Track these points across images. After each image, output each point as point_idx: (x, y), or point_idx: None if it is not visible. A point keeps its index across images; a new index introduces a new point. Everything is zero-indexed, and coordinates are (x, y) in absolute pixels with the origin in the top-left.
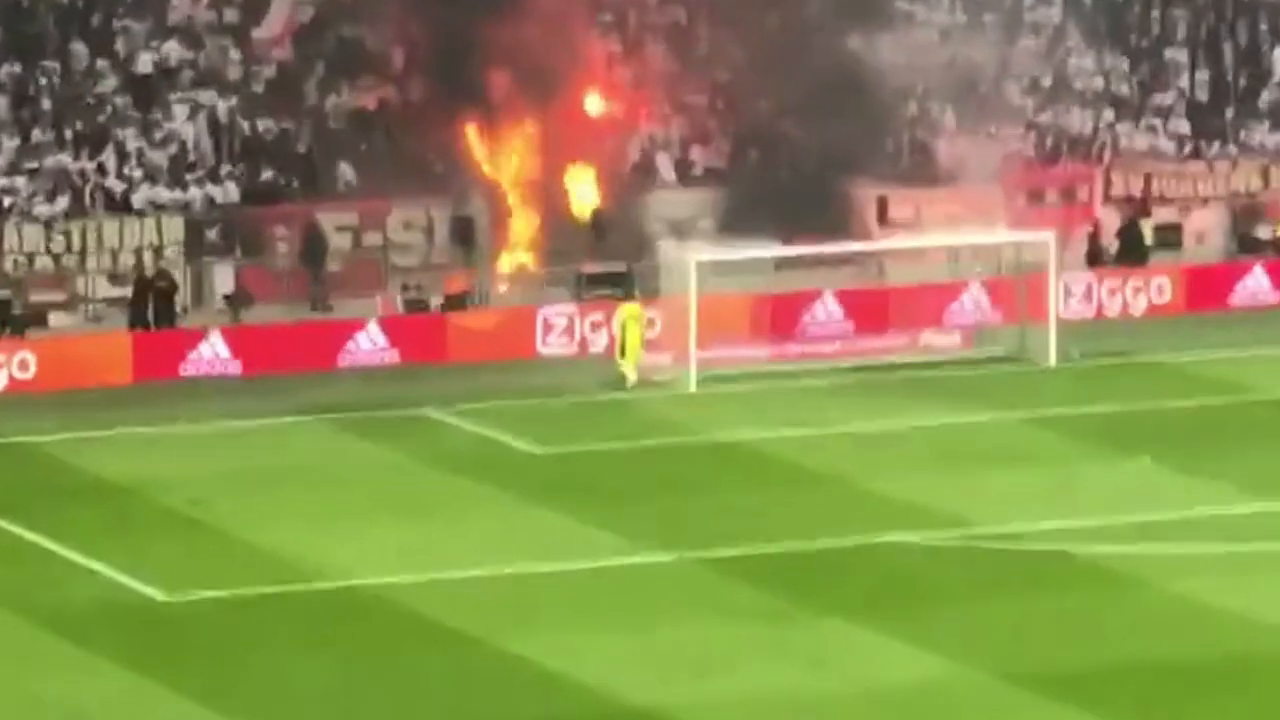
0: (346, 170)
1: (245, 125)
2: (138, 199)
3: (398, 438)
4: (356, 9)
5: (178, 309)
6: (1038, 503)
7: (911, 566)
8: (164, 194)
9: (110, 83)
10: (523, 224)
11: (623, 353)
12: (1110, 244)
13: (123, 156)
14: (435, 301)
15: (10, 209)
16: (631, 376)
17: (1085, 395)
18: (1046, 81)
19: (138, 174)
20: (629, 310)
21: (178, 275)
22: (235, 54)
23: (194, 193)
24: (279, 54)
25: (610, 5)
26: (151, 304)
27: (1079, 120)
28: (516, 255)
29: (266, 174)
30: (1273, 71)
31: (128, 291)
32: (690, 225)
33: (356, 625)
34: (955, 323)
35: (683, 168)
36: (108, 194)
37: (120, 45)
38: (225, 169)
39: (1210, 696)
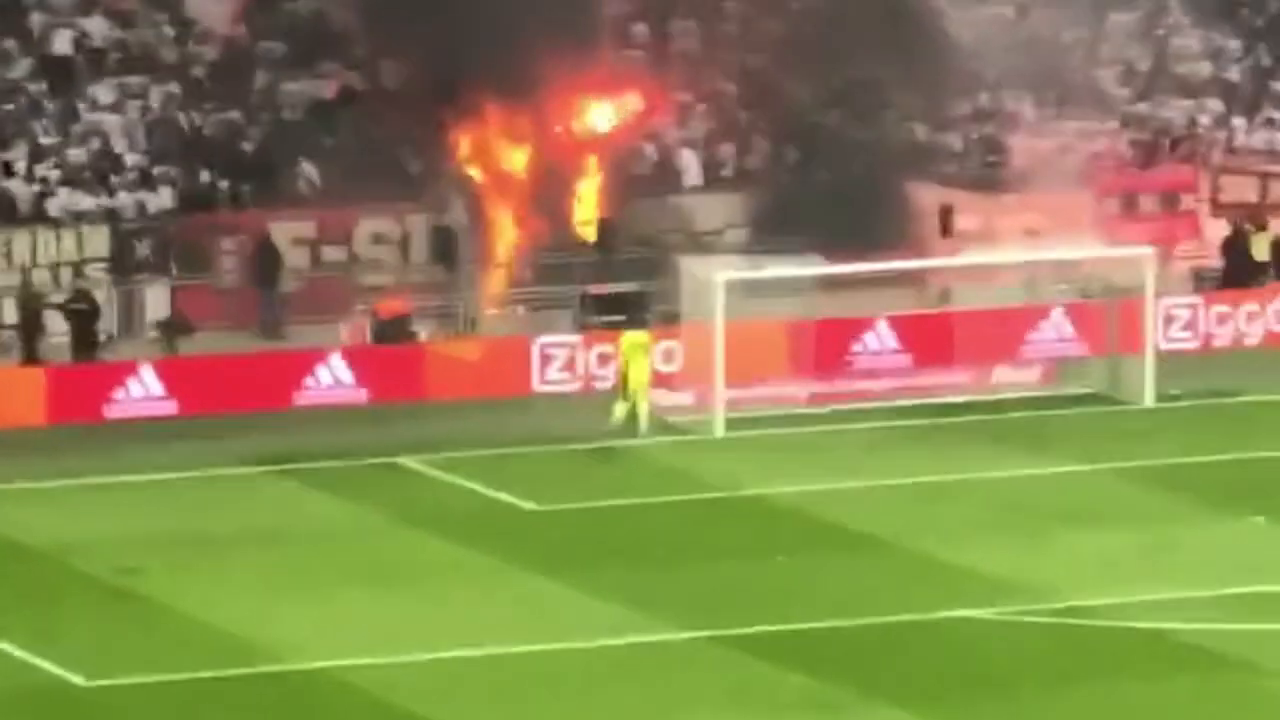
0: (304, 171)
1: (183, 118)
2: (54, 206)
3: (366, 492)
4: None
5: (100, 337)
6: (1130, 571)
7: (980, 646)
8: (85, 200)
9: (22, 67)
10: (515, 236)
11: (625, 391)
12: (1214, 260)
13: (36, 155)
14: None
15: None
16: (641, 421)
17: (1187, 442)
18: (1143, 66)
19: (54, 176)
20: (632, 339)
21: (100, 296)
22: (171, 32)
23: (122, 198)
24: (224, 32)
25: None
26: (70, 331)
27: (1181, 113)
28: (507, 273)
29: (208, 176)
30: None
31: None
32: (717, 237)
33: (315, 717)
34: (1033, 355)
35: (708, 168)
36: (17, 200)
37: (34, 22)
38: (159, 170)
39: None
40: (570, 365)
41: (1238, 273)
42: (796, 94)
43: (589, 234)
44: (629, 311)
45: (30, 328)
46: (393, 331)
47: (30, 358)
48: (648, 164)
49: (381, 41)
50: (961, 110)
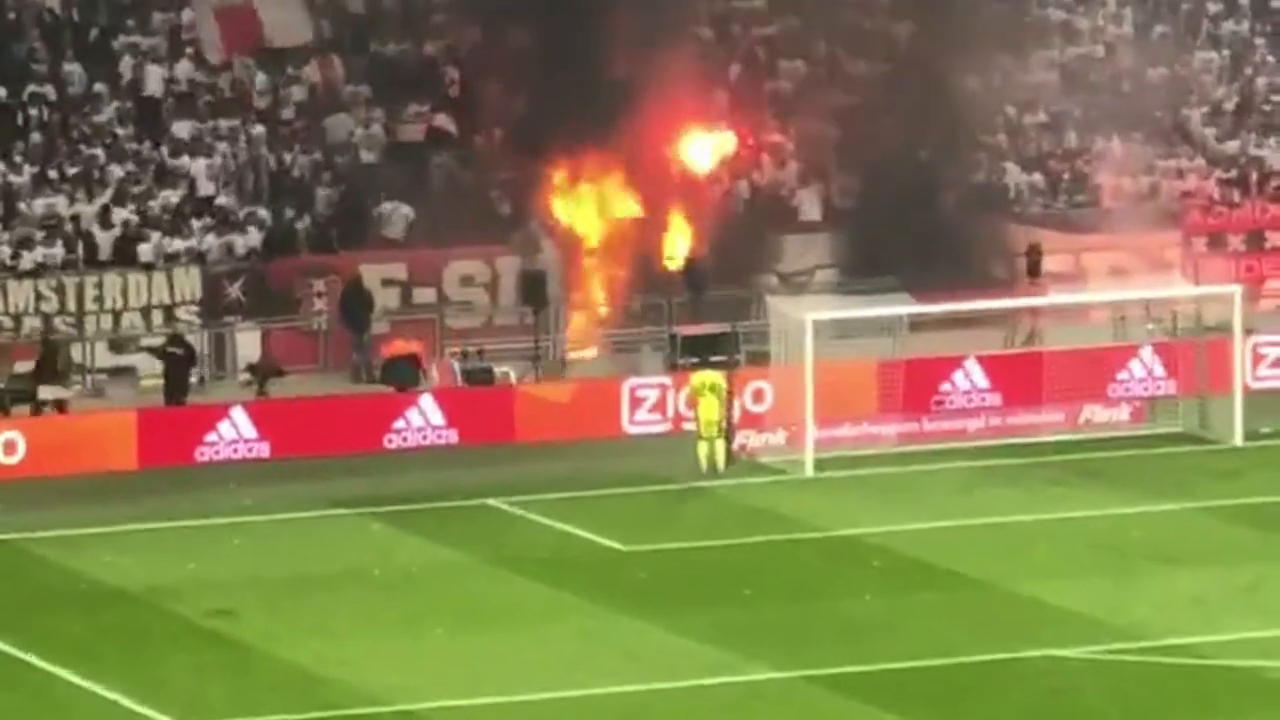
0: (398, 213)
1: (271, 159)
2: (142, 249)
3: (457, 533)
4: (406, 19)
5: (192, 380)
6: (1221, 609)
7: (1072, 685)
8: (174, 243)
9: (110, 110)
10: (605, 277)
11: (700, 431)
12: None
13: (124, 197)
14: (500, 370)
15: None
16: (718, 461)
17: (1277, 481)
18: (1230, 105)
19: (142, 218)
20: (701, 379)
21: (194, 340)
22: (261, 75)
23: (210, 240)
24: (311, 74)
25: (712, 18)
26: (164, 374)
27: (1269, 151)
28: (596, 315)
29: (298, 218)
30: None
31: (133, 360)
32: (807, 277)
33: None
34: (1123, 395)
35: (798, 208)
36: (104, 243)
37: (124, 66)
38: (246, 212)
39: None
40: (660, 406)
41: None
42: (886, 135)
43: (677, 267)
44: (719, 351)
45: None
46: (397, 371)
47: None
48: (737, 203)
49: (472, 83)
50: (1049, 149)
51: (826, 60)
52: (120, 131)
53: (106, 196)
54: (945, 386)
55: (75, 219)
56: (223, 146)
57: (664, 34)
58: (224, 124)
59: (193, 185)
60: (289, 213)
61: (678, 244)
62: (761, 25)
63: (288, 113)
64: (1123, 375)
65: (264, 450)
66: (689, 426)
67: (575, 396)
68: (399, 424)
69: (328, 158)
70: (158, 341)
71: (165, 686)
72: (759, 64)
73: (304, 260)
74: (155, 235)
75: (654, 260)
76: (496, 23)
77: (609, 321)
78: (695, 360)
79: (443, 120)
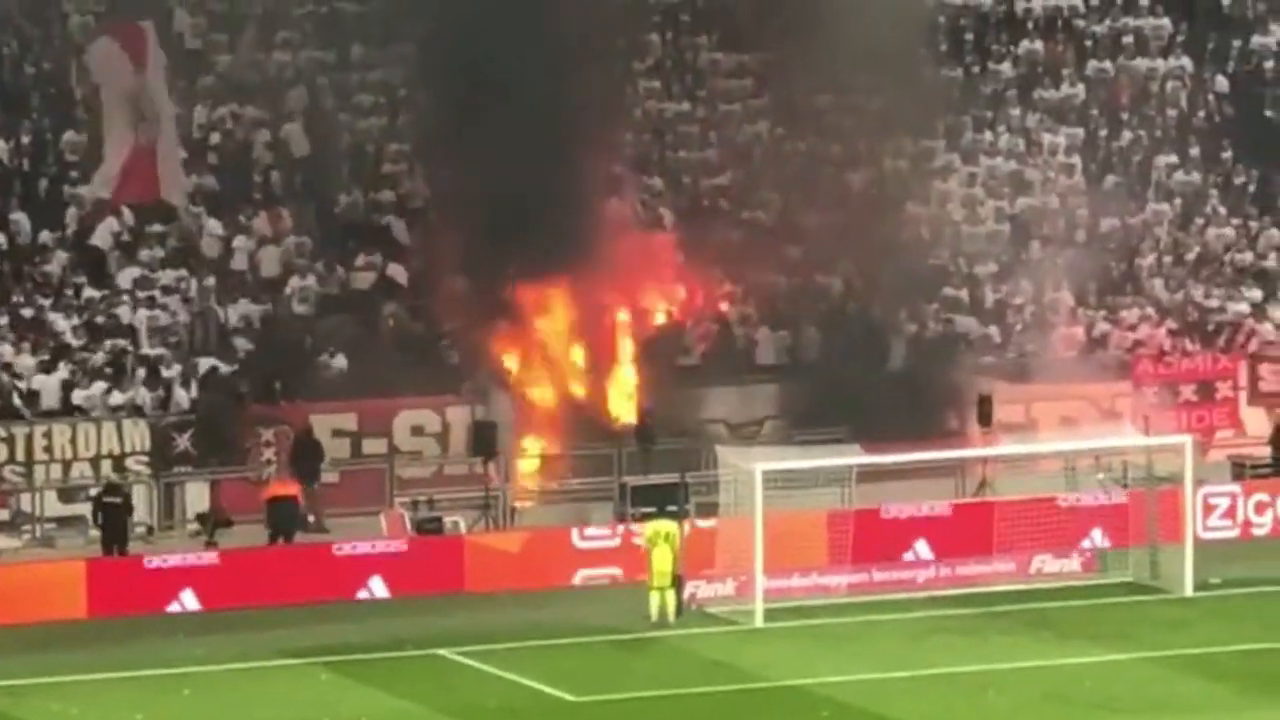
0: (342, 363)
1: (220, 310)
2: (87, 399)
3: (407, 684)
4: (355, 169)
5: (138, 530)
6: None
7: None
8: (120, 394)
9: (59, 259)
10: (556, 427)
11: (652, 581)
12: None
13: (71, 349)
14: (450, 520)
15: None
16: (669, 611)
17: (1227, 631)
18: (1182, 256)
19: (92, 368)
20: (655, 529)
21: (140, 491)
22: (214, 224)
23: (161, 392)
24: (260, 226)
25: (663, 169)
26: (102, 524)
27: (1221, 302)
28: (548, 465)
29: (246, 368)
30: None
31: (82, 509)
32: (754, 427)
33: None
34: (1073, 545)
35: (746, 358)
36: (49, 394)
37: (70, 215)
38: (198, 362)
39: None
40: (611, 557)
41: None
42: (833, 284)
43: (627, 415)
44: (669, 502)
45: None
46: (278, 514)
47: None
48: (687, 354)
49: (421, 234)
50: (1001, 299)
51: (779, 211)
52: (67, 280)
53: (49, 346)
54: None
55: (8, 367)
56: (170, 298)
57: (615, 184)
58: (171, 274)
59: (137, 335)
60: (235, 364)
61: (629, 395)
62: (712, 176)
63: (238, 263)
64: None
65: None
66: (640, 576)
67: (525, 546)
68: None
69: (276, 308)
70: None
71: None
72: (710, 214)
73: (253, 411)
74: (100, 385)
75: (604, 410)
76: (446, 173)
77: (559, 472)
78: (646, 510)
79: (393, 270)
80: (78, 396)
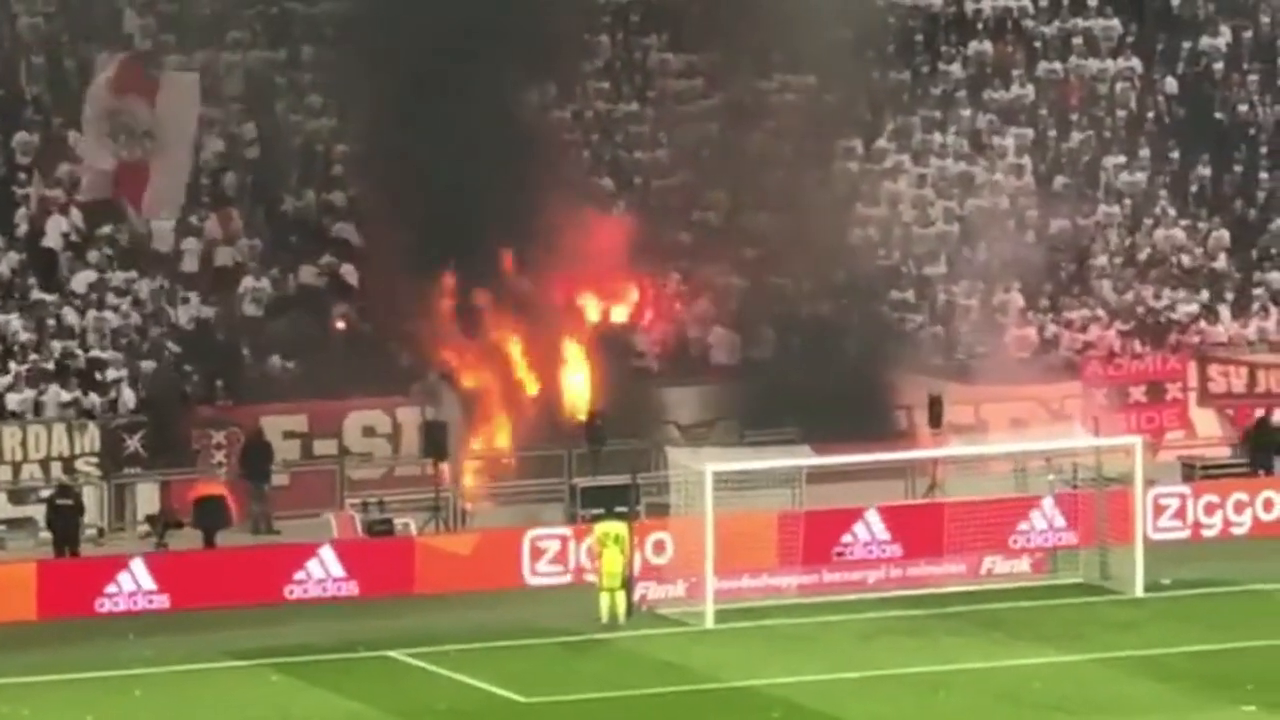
0: (291, 365)
1: (171, 311)
2: (43, 400)
3: (357, 685)
4: (305, 171)
5: (89, 532)
6: None
7: None
8: (69, 395)
9: (9, 260)
10: (506, 428)
11: (602, 583)
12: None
13: (20, 349)
14: (401, 522)
15: None
16: (619, 612)
17: (1177, 632)
18: (1131, 257)
19: (41, 370)
20: (605, 530)
21: (91, 493)
22: (164, 225)
23: (111, 394)
24: (211, 228)
25: (614, 168)
26: (52, 527)
27: (1170, 303)
28: (498, 467)
29: (196, 369)
30: None
31: (32, 511)
32: (705, 428)
33: None
34: (1023, 546)
35: (697, 359)
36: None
37: (20, 215)
38: (148, 363)
39: None
40: (561, 557)
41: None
42: (785, 285)
43: (580, 426)
44: (619, 503)
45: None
46: (206, 511)
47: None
48: (636, 355)
49: (369, 235)
50: (950, 300)
51: (729, 211)
52: (16, 282)
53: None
54: (846, 538)
55: None
56: (120, 299)
57: (566, 184)
58: (121, 276)
59: (85, 337)
60: (183, 365)
61: (579, 396)
62: (662, 176)
63: (187, 264)
64: (1024, 526)
65: (164, 602)
66: (590, 578)
67: (476, 548)
68: (299, 575)
69: (227, 310)
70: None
71: None
72: (661, 214)
73: (203, 412)
74: (49, 387)
75: (554, 411)
76: (395, 174)
77: (509, 472)
78: (596, 512)
79: (343, 271)
80: (27, 398)
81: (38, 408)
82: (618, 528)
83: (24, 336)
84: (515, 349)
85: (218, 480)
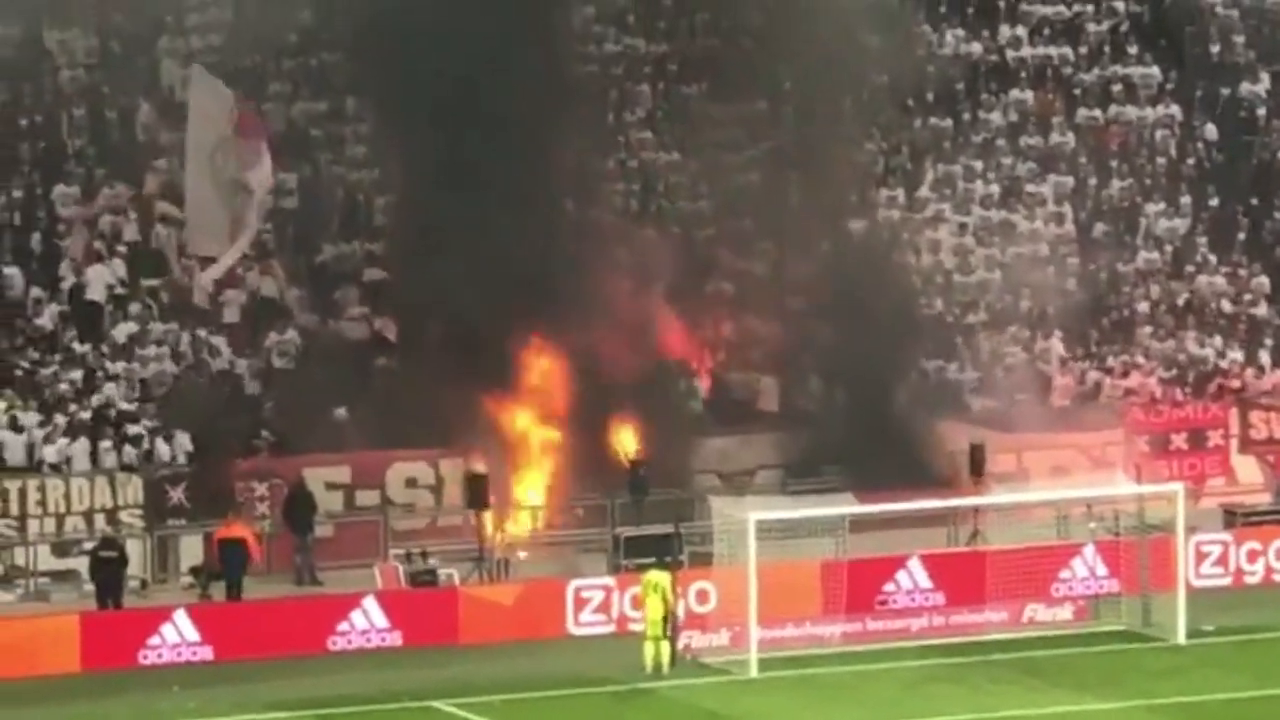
0: (337, 416)
1: (213, 362)
2: (84, 453)
3: None
4: (346, 222)
5: (132, 584)
6: None
7: None
8: (116, 446)
9: (51, 313)
10: (549, 478)
11: (646, 633)
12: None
13: (61, 401)
14: (445, 572)
15: None
16: (663, 662)
17: (1219, 679)
18: (1173, 304)
19: (82, 422)
20: (648, 580)
21: (134, 545)
22: (206, 277)
23: (152, 445)
24: (253, 279)
25: (657, 220)
26: (96, 579)
27: (1211, 350)
28: (540, 515)
29: (240, 420)
30: None
31: (75, 563)
32: (749, 477)
33: None
34: (1065, 593)
35: (742, 407)
36: (44, 449)
37: (63, 268)
38: (192, 415)
39: None
40: (605, 606)
41: None
42: (828, 334)
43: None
44: (662, 553)
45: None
46: (227, 553)
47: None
48: (679, 403)
49: (411, 287)
50: (991, 348)
51: (773, 260)
52: (59, 333)
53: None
54: (889, 586)
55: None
56: (162, 350)
57: (608, 234)
58: (162, 328)
59: (128, 389)
60: (228, 416)
61: (623, 445)
62: (705, 226)
63: (229, 316)
64: (1065, 574)
65: (207, 654)
66: (634, 627)
67: (519, 598)
68: (343, 626)
69: (267, 360)
70: (91, 545)
71: None
72: (705, 264)
73: (247, 464)
74: (93, 439)
75: (600, 460)
76: (436, 225)
77: (552, 523)
78: (640, 562)
79: (384, 323)
80: (71, 450)
81: (79, 460)
82: (661, 577)
83: (65, 388)
84: (558, 399)
85: (240, 523)
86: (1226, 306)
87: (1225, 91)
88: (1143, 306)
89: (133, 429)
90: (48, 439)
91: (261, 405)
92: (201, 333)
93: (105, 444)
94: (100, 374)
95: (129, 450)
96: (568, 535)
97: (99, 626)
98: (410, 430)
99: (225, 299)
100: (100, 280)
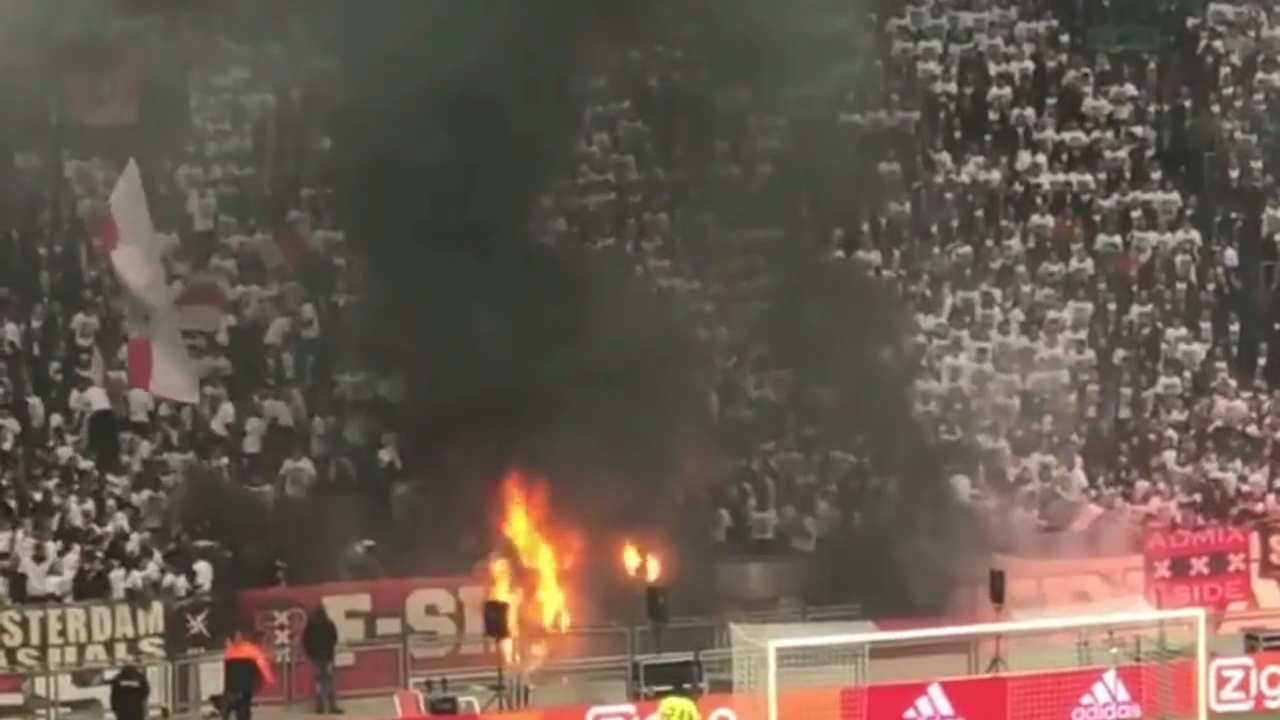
0: (358, 550)
1: (231, 490)
2: (102, 581)
3: None
4: (363, 349)
5: (154, 713)
6: None
7: None
8: (136, 574)
9: (70, 443)
10: (567, 606)
11: None
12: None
13: (83, 532)
14: (464, 700)
15: None
16: None
17: None
18: (1192, 429)
19: (103, 552)
20: (674, 707)
21: (155, 674)
22: (229, 406)
23: (171, 575)
24: (272, 407)
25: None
26: (117, 709)
27: (1231, 474)
28: (560, 643)
29: (259, 549)
30: None
31: (96, 693)
32: (769, 603)
33: None
34: (1087, 719)
35: (757, 533)
36: (65, 577)
37: (83, 398)
38: (209, 544)
39: None
40: None
41: None
42: (846, 458)
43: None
44: (682, 680)
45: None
46: (236, 673)
47: None
48: (700, 530)
49: (433, 418)
50: (1012, 475)
51: (792, 387)
52: (77, 463)
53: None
54: (909, 713)
55: (39, 549)
56: (179, 479)
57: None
58: (179, 458)
59: (147, 518)
60: (247, 546)
61: (641, 571)
62: (724, 354)
63: (249, 445)
64: (1087, 699)
65: None
66: None
67: None
68: None
69: (286, 489)
70: (112, 674)
71: None
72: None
73: (267, 593)
74: (115, 567)
75: (617, 587)
76: (449, 353)
77: (571, 650)
78: (659, 689)
79: (402, 450)
80: (90, 579)
81: (97, 589)
82: (683, 704)
83: (81, 519)
84: (575, 527)
85: (248, 643)
86: (1248, 430)
87: (1244, 216)
88: (1164, 431)
89: (150, 559)
90: (64, 568)
91: (278, 534)
92: (222, 461)
93: (120, 573)
94: (118, 502)
95: (147, 578)
96: (587, 663)
97: None
98: (429, 557)
99: (247, 428)
100: (118, 410)
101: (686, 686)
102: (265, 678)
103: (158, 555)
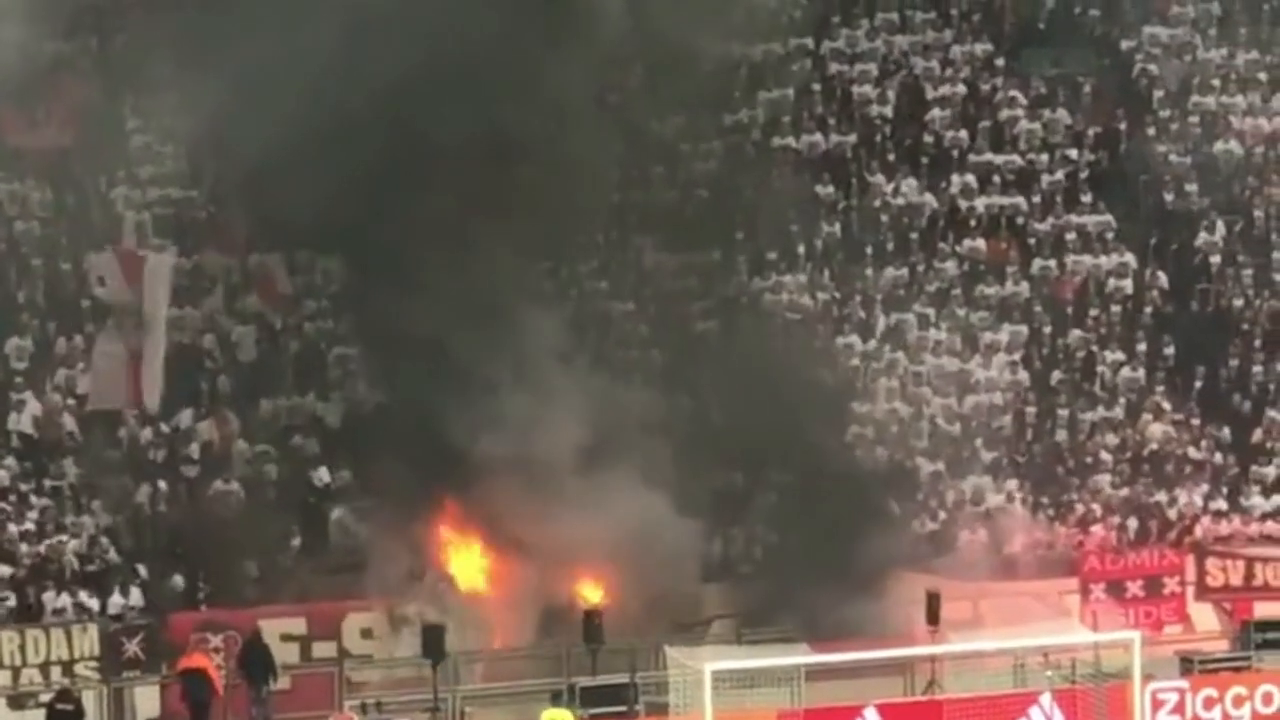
0: (288, 566)
1: (169, 514)
2: (35, 605)
3: None
4: (300, 371)
5: None
6: None
7: None
8: (67, 597)
9: (8, 466)
10: (502, 627)
11: None
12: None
13: (18, 554)
14: None
15: None
16: None
17: None
18: (1128, 451)
19: (35, 573)
20: (553, 717)
21: (90, 697)
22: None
23: (107, 598)
24: (206, 430)
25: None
26: None
27: (1167, 497)
28: (495, 665)
29: (188, 571)
30: None
31: (32, 716)
32: (704, 626)
33: None
34: None
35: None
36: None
37: (15, 421)
38: (143, 566)
39: None
40: None
41: None
42: (778, 482)
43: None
44: (618, 702)
45: None
46: (191, 683)
47: None
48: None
49: (366, 438)
50: (947, 497)
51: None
52: (14, 486)
53: None
54: None
55: None
56: (110, 502)
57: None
58: (113, 482)
59: (83, 540)
60: (174, 570)
61: (577, 594)
62: (659, 376)
63: (187, 469)
64: None
65: None
66: None
67: None
68: None
69: (220, 511)
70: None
71: None
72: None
73: (201, 615)
74: (50, 591)
75: (554, 609)
76: (391, 377)
77: (507, 672)
78: (595, 711)
79: (341, 475)
80: (22, 602)
81: (32, 611)
82: (563, 715)
83: (20, 541)
84: (513, 550)
85: (199, 652)
86: (1184, 453)
87: (1179, 240)
88: (1099, 454)
89: (87, 580)
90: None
91: (205, 556)
92: (159, 483)
93: (51, 594)
94: (53, 524)
95: (78, 603)
96: (522, 685)
97: None
98: (364, 580)
99: (182, 451)
100: (55, 431)
101: (619, 709)
102: (217, 688)
103: (87, 578)
